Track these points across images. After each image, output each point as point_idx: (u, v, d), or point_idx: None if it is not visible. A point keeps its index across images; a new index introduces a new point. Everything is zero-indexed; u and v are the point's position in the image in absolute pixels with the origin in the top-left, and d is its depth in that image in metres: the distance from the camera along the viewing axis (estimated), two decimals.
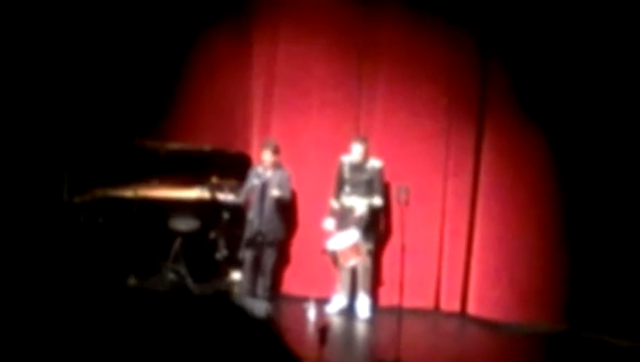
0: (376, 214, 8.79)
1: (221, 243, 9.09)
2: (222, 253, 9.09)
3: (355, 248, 8.49)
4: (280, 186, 8.84)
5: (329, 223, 8.80)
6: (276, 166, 8.92)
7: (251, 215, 8.98)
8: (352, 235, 8.52)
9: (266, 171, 8.90)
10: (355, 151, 8.71)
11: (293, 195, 9.17)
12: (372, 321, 8.78)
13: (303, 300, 8.85)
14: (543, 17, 8.44)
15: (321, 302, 8.85)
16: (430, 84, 9.01)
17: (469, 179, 8.94)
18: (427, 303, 9.09)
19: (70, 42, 9.61)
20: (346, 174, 8.78)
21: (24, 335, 3.82)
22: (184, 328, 3.34)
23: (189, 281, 9.15)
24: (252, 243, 8.95)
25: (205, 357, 3.10)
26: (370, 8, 9.20)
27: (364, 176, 8.70)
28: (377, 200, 8.70)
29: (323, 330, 6.63)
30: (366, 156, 8.73)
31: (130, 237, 9.28)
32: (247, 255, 9.00)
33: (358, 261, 8.62)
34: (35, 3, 9.51)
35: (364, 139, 8.81)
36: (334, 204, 8.85)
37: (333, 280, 9.00)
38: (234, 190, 9.22)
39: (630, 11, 8.10)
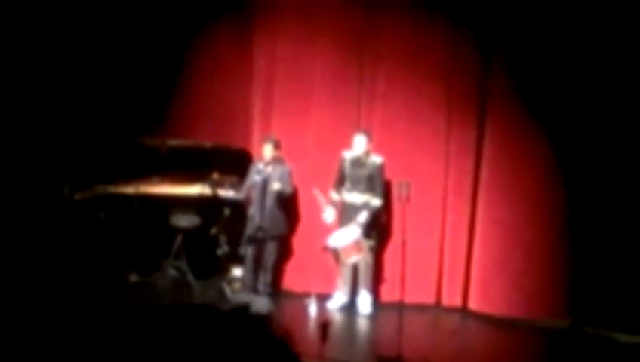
0: (375, 211, 8.78)
1: (222, 239, 9.09)
2: (223, 249, 9.09)
3: (356, 245, 8.48)
4: (281, 181, 8.84)
5: (329, 213, 8.78)
6: (277, 161, 8.93)
7: (252, 211, 8.99)
8: (354, 232, 8.51)
9: (267, 167, 8.90)
10: (358, 144, 8.69)
11: (295, 191, 9.17)
12: (373, 317, 8.77)
13: (304, 296, 8.86)
14: (543, 12, 8.41)
15: (322, 298, 8.85)
16: (431, 79, 9.00)
17: (470, 174, 8.93)
18: (428, 299, 9.09)
19: (71, 39, 9.61)
20: (347, 170, 8.77)
21: (26, 331, 3.81)
22: (186, 327, 3.34)
23: (190, 277, 9.14)
24: (253, 239, 8.96)
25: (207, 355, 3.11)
26: (371, 4, 9.18)
27: (365, 172, 8.69)
28: (376, 201, 8.68)
29: (324, 326, 6.64)
30: (368, 151, 8.71)
31: (131, 233, 9.29)
32: (248, 251, 9.01)
33: (360, 257, 8.61)
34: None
35: (366, 133, 8.79)
36: (334, 196, 8.84)
37: (334, 276, 9.00)
38: (235, 186, 9.22)
39: (632, 6, 8.08)
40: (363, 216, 8.60)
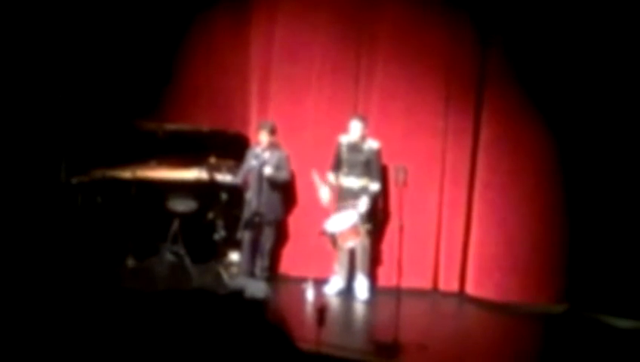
0: (374, 196, 8.77)
1: (219, 223, 9.07)
2: (220, 234, 9.07)
3: (354, 229, 8.48)
4: (278, 167, 8.84)
5: (324, 193, 8.76)
6: (273, 146, 8.91)
7: (249, 195, 8.97)
8: (351, 216, 8.50)
9: (264, 152, 8.88)
10: (354, 129, 8.68)
11: (292, 176, 9.15)
12: (370, 302, 8.78)
13: (301, 281, 8.86)
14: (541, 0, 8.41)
15: (320, 283, 8.86)
16: (429, 64, 8.98)
17: (468, 159, 8.92)
18: (425, 283, 9.10)
19: (68, 24, 9.58)
20: (344, 155, 8.76)
21: (23, 315, 3.81)
22: (183, 314, 3.34)
23: (187, 262, 9.14)
24: (250, 223, 8.95)
25: (204, 344, 3.10)
26: None
27: (362, 157, 8.68)
28: (374, 186, 8.67)
29: (321, 311, 6.62)
30: (364, 136, 8.70)
31: (128, 218, 9.28)
32: (245, 235, 9.00)
33: (357, 242, 8.61)
34: None
35: (362, 118, 8.78)
36: (331, 178, 8.83)
37: (331, 261, 9.00)
38: (232, 171, 9.20)
39: None
40: (363, 205, 8.57)
